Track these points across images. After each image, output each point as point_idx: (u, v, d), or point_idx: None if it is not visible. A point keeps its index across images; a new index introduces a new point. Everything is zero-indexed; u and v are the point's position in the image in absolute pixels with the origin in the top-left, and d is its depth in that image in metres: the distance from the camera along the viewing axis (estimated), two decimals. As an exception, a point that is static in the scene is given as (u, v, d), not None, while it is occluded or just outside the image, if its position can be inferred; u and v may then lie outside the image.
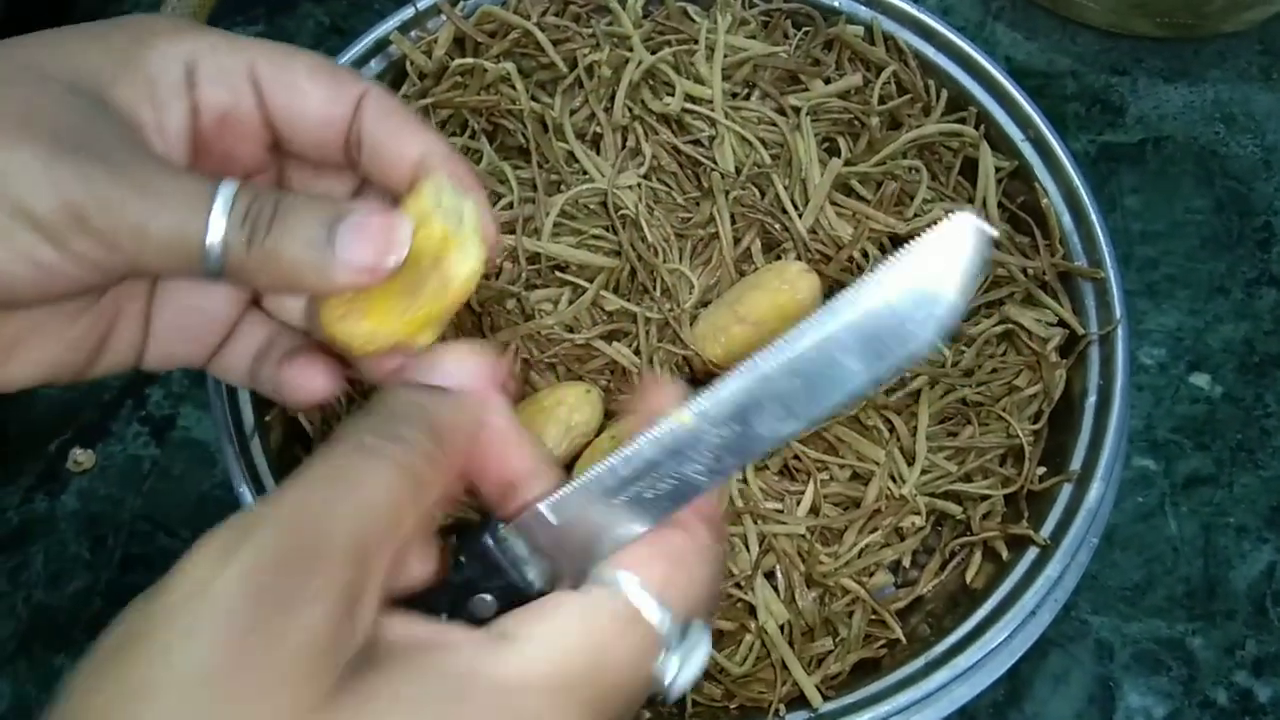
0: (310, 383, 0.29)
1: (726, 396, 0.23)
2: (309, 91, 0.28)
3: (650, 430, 0.24)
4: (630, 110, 0.50)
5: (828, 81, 0.52)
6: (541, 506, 0.25)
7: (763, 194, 0.49)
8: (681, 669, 0.22)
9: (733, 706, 0.44)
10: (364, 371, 0.29)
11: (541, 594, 0.24)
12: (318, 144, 0.28)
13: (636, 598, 0.22)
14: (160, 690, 0.18)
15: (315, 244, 0.25)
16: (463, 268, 0.26)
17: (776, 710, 0.42)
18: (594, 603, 0.23)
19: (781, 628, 0.44)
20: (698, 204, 0.50)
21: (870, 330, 0.21)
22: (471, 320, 0.48)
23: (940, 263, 0.21)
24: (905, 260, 0.21)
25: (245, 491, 0.43)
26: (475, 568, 0.25)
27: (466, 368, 0.26)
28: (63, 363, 0.28)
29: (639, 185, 0.49)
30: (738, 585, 0.44)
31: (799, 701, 0.43)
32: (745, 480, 0.45)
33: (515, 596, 0.25)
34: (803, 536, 0.45)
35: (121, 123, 0.26)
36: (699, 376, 0.48)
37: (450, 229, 0.26)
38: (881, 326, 0.21)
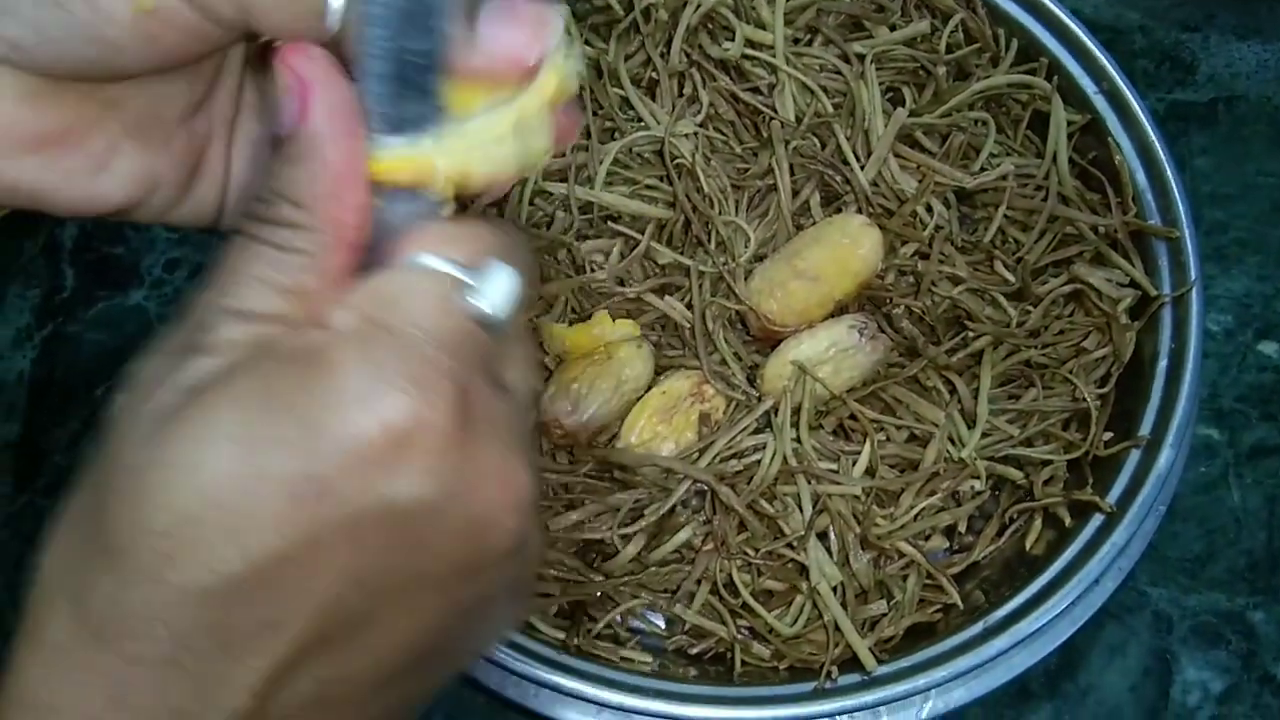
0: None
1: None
2: None
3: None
4: (688, 56, 0.48)
5: (893, 28, 0.50)
6: None
7: (823, 144, 0.48)
8: (488, 296, 0.23)
9: (782, 667, 0.43)
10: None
11: None
12: None
13: (417, 260, 0.22)
14: None
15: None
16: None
17: (829, 672, 0.42)
18: (378, 278, 0.22)
19: (834, 589, 0.43)
20: (756, 154, 0.48)
21: None
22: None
23: None
24: None
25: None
26: None
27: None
28: (155, 180, 0.26)
29: (696, 134, 0.48)
30: (790, 545, 0.43)
31: (850, 664, 0.42)
32: (799, 439, 0.44)
33: None
34: (858, 498, 0.44)
35: None
36: (754, 333, 0.47)
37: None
38: None
